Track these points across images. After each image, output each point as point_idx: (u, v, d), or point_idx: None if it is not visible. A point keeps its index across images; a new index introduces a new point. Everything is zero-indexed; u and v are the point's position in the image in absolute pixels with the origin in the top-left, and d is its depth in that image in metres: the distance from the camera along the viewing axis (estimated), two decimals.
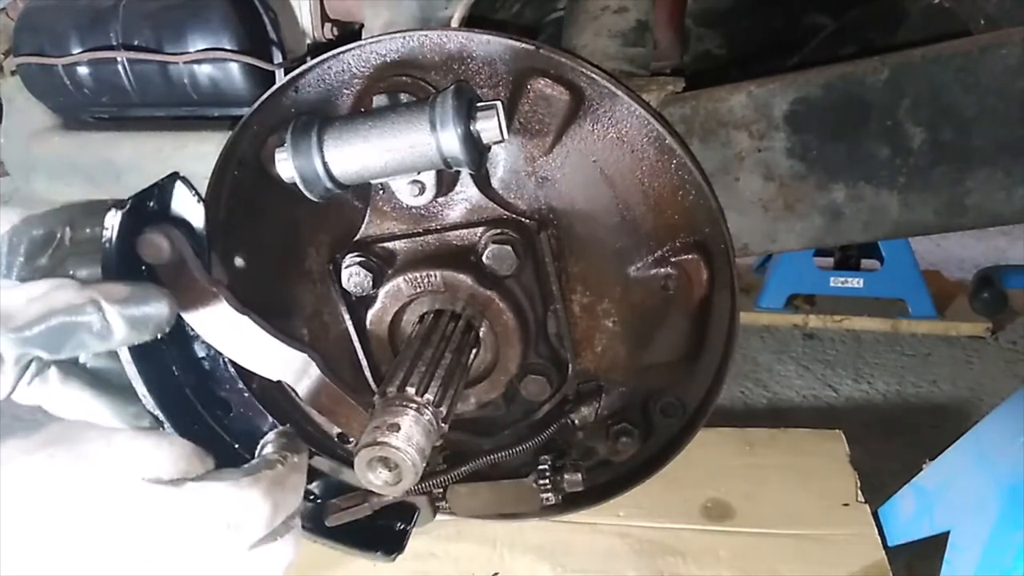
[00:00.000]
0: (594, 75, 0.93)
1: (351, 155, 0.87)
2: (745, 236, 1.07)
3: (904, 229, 1.03)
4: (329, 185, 0.89)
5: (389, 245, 1.00)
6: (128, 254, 0.81)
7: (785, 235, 1.06)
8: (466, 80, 0.94)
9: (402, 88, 0.93)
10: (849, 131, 1.00)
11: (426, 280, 0.97)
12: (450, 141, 0.84)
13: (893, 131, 0.99)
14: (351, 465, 0.81)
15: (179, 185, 0.89)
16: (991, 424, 1.78)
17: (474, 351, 0.98)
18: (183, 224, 0.89)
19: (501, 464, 1.12)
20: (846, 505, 1.90)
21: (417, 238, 1.00)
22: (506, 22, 1.41)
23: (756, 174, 1.04)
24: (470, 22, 1.15)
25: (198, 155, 1.26)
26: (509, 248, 0.95)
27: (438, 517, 1.19)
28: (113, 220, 0.79)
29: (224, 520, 0.60)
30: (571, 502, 1.18)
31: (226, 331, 0.87)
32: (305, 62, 0.97)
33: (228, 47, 1.19)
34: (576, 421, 1.10)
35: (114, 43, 1.22)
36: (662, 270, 1.01)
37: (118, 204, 0.80)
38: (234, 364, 0.98)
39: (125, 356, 0.84)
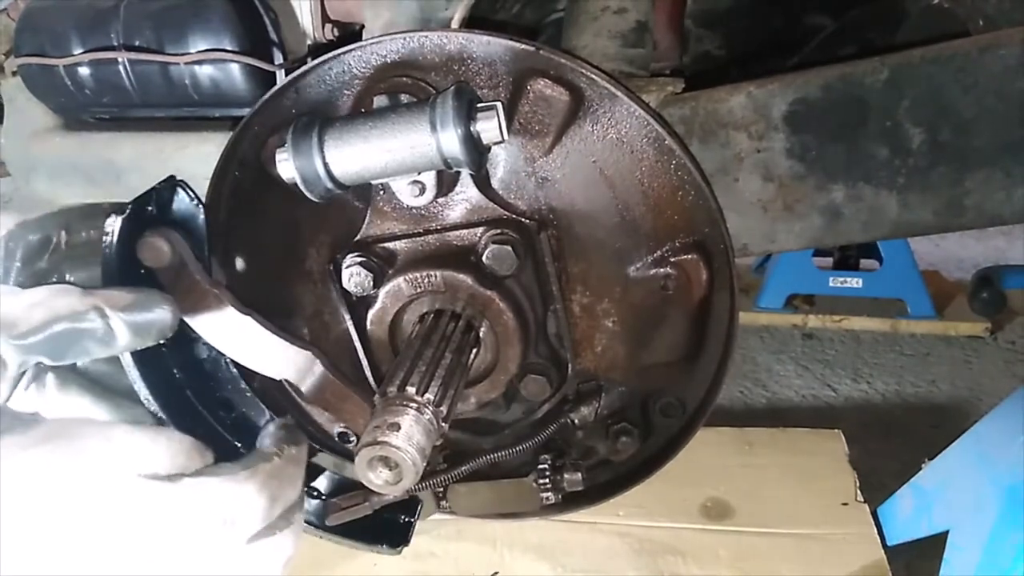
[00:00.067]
0: (594, 76, 0.94)
1: (352, 155, 0.87)
2: (744, 236, 1.07)
3: (903, 229, 1.04)
4: (330, 185, 0.89)
5: (389, 245, 1.00)
6: (128, 259, 0.81)
7: (784, 235, 1.07)
8: (466, 81, 0.94)
9: (402, 89, 0.93)
10: (848, 131, 1.00)
11: (426, 280, 0.98)
12: (450, 142, 0.84)
13: (892, 131, 0.99)
14: (352, 460, 0.81)
15: (178, 188, 0.89)
16: (990, 424, 1.78)
17: (474, 351, 0.98)
18: (182, 227, 0.89)
19: (501, 463, 1.12)
20: (845, 505, 1.90)
21: (417, 238, 1.00)
22: (506, 23, 1.41)
23: (755, 175, 1.04)
24: (470, 23, 1.15)
25: (199, 156, 1.26)
26: (509, 248, 0.96)
27: (438, 516, 1.19)
28: (113, 225, 0.79)
29: (220, 515, 0.59)
30: (571, 501, 1.18)
31: (229, 332, 0.87)
32: (306, 63, 0.97)
33: (229, 48, 1.20)
34: (576, 421, 1.10)
35: (115, 44, 1.23)
36: (662, 270, 1.02)
37: (117, 209, 0.80)
38: (236, 364, 0.98)
39: (127, 360, 0.84)
